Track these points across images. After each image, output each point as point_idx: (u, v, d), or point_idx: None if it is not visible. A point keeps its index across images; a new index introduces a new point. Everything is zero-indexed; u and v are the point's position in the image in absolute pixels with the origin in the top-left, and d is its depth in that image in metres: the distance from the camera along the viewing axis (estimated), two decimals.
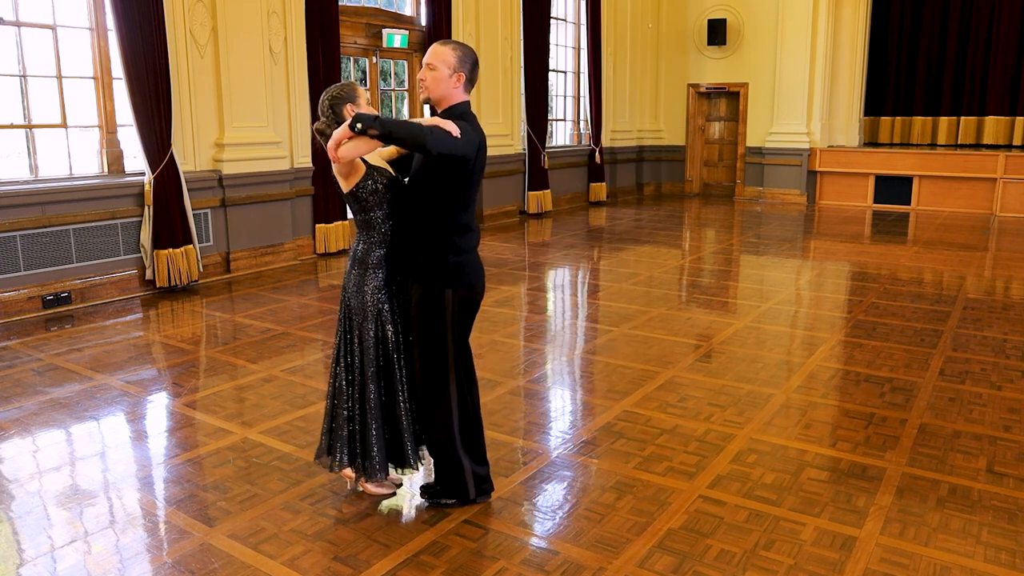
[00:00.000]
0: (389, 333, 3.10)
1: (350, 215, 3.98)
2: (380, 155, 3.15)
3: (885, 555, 2.85)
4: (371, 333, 3.09)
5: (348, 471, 3.26)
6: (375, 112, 2.92)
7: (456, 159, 2.87)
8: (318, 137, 3.08)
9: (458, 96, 2.99)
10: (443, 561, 2.84)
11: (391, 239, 3.10)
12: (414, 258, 3.05)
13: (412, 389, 3.17)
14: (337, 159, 2.85)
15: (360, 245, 3.12)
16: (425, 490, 3.28)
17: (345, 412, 3.16)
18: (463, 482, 3.18)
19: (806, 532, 3.01)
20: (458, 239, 3.03)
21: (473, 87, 3.08)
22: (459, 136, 2.82)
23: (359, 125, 2.74)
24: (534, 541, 2.97)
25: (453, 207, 3.00)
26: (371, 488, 3.29)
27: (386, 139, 2.77)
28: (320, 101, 3.09)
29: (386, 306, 3.10)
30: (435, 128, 2.79)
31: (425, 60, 2.98)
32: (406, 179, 3.15)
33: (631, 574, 2.76)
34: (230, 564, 2.82)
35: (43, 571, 2.80)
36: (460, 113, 2.97)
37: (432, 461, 3.25)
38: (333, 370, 3.21)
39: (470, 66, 2.99)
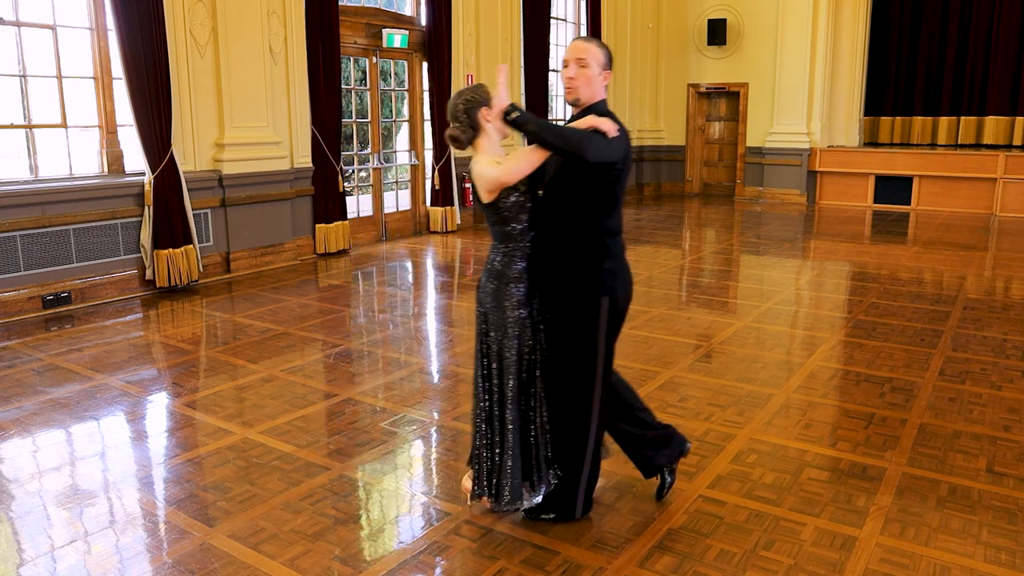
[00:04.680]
0: (528, 349, 2.94)
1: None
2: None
3: (885, 555, 2.85)
4: (514, 350, 2.91)
5: (469, 486, 3.12)
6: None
7: (616, 162, 2.74)
8: (449, 144, 2.95)
9: (601, 93, 2.88)
10: (443, 561, 2.84)
11: (533, 250, 2.92)
12: (564, 268, 2.88)
13: (549, 407, 2.99)
14: (506, 182, 2.72)
15: (498, 258, 2.93)
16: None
17: (486, 441, 2.98)
18: (574, 499, 3.03)
19: (806, 532, 3.01)
20: (611, 243, 2.88)
21: None
22: (616, 135, 2.71)
23: (514, 115, 2.63)
24: (534, 541, 2.97)
25: (603, 210, 2.85)
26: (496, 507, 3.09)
27: (538, 140, 2.65)
28: (451, 105, 2.89)
29: (528, 321, 2.93)
30: (594, 134, 2.67)
31: (575, 57, 2.82)
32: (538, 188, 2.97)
33: (631, 574, 2.75)
34: (230, 564, 2.82)
35: (43, 571, 2.80)
36: (603, 111, 2.84)
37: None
38: (479, 393, 3.01)
39: (610, 63, 2.91)
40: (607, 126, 2.69)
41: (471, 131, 2.87)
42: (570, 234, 2.87)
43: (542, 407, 2.97)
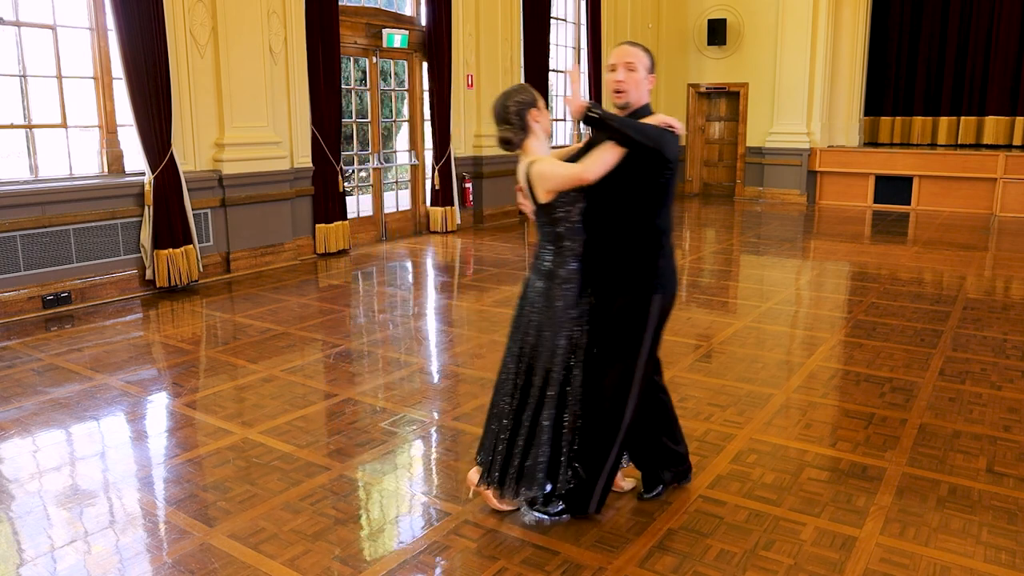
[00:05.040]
0: (573, 348, 2.93)
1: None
2: (560, 156, 3.01)
3: (885, 555, 2.85)
4: (561, 349, 2.91)
5: (475, 479, 3.13)
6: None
7: (671, 160, 2.80)
8: (501, 146, 2.92)
9: (646, 97, 2.93)
10: (443, 561, 2.84)
11: (585, 250, 2.92)
12: (617, 266, 2.90)
13: (583, 405, 2.98)
14: (587, 180, 2.71)
15: (547, 258, 2.93)
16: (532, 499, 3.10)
17: (506, 434, 2.98)
18: (589, 495, 3.02)
19: (806, 532, 3.01)
20: (664, 240, 2.92)
21: None
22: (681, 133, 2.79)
23: (595, 114, 2.63)
24: (534, 541, 2.97)
25: (657, 207, 2.88)
26: (502, 505, 3.11)
27: (621, 136, 2.67)
28: (501, 106, 2.88)
29: (576, 320, 2.93)
30: (667, 131, 2.71)
31: (623, 61, 2.86)
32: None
33: (631, 574, 2.75)
34: (230, 564, 2.82)
35: (43, 571, 2.80)
36: (648, 114, 2.90)
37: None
38: (505, 391, 3.01)
39: (654, 67, 2.96)
40: (678, 124, 2.76)
41: (522, 133, 2.88)
42: (624, 232, 2.90)
43: (575, 406, 2.97)
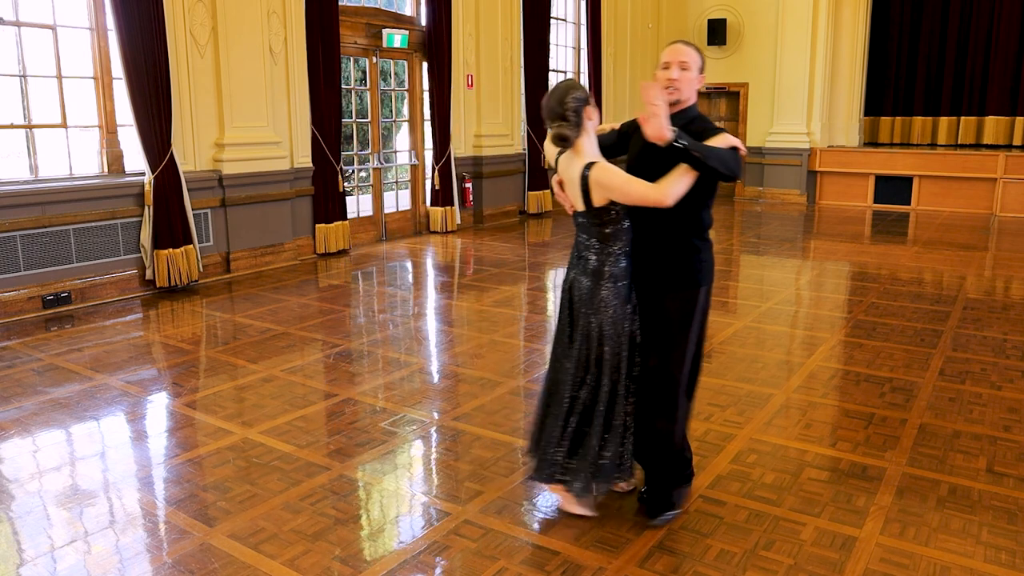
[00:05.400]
0: (627, 344, 2.95)
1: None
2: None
3: (885, 555, 2.85)
4: (622, 347, 2.93)
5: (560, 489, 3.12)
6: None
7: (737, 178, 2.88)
8: (557, 144, 2.86)
9: (695, 96, 2.97)
10: (443, 561, 2.84)
11: (633, 247, 2.94)
12: (665, 261, 2.95)
13: (636, 400, 3.02)
14: (666, 204, 2.69)
15: (595, 257, 2.92)
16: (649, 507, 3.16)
17: (569, 430, 2.99)
18: (669, 492, 3.12)
19: (806, 532, 3.01)
20: (708, 234, 3.01)
21: None
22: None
23: (683, 143, 2.66)
24: (534, 541, 2.97)
25: (704, 202, 2.93)
26: (578, 509, 3.10)
27: (702, 166, 2.70)
28: (558, 102, 2.80)
29: (631, 316, 2.95)
30: (735, 153, 2.77)
31: (677, 59, 2.89)
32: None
33: (631, 574, 2.75)
34: (230, 564, 2.82)
35: (43, 571, 2.80)
36: (696, 114, 2.95)
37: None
38: (564, 394, 3.00)
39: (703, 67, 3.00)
40: (741, 144, 2.83)
41: (577, 130, 2.83)
42: (673, 229, 2.93)
43: (627, 402, 2.99)
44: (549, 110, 2.83)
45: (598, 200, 2.82)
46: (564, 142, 2.83)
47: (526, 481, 3.37)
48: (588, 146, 2.89)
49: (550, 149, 3.00)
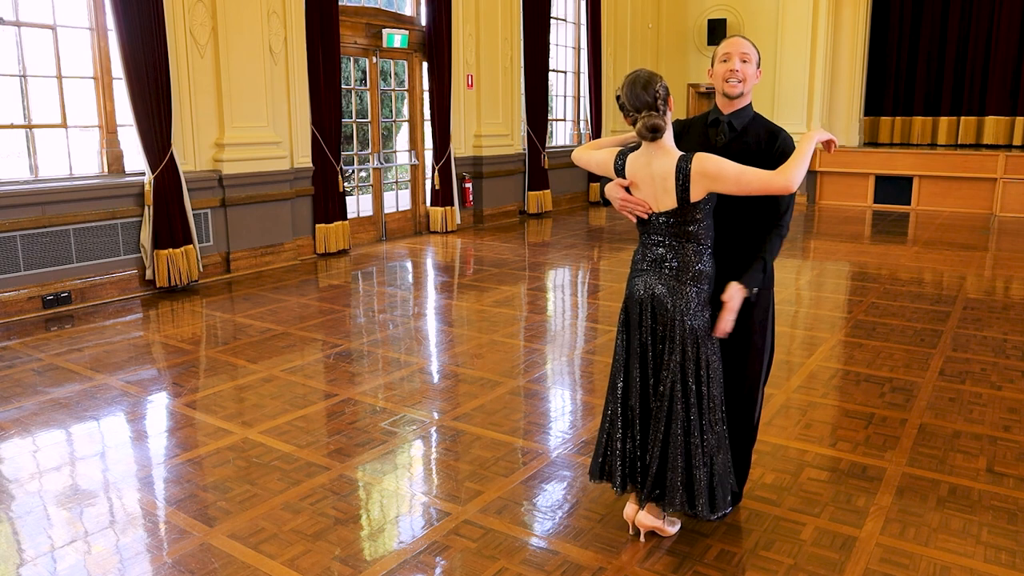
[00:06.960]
0: (713, 352, 2.79)
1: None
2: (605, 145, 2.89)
3: (885, 555, 2.85)
4: (712, 352, 2.78)
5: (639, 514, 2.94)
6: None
7: None
8: (649, 135, 2.63)
9: (751, 95, 2.93)
10: (443, 561, 2.84)
11: (715, 248, 2.80)
12: (745, 263, 2.83)
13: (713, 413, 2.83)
14: (792, 190, 2.61)
15: (676, 259, 2.74)
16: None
17: (662, 447, 2.80)
18: (739, 489, 3.09)
19: (806, 532, 3.01)
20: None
21: None
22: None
23: (754, 292, 2.78)
24: (534, 541, 2.97)
25: (772, 209, 2.88)
26: (670, 530, 2.96)
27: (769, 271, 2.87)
28: (644, 90, 2.60)
29: (710, 322, 2.78)
30: (779, 234, 2.88)
31: (739, 51, 2.83)
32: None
33: (631, 574, 2.75)
34: (230, 564, 2.82)
35: (43, 571, 2.80)
36: (754, 114, 2.91)
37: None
38: (643, 403, 2.84)
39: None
40: (833, 136, 2.83)
41: (665, 120, 2.64)
42: (748, 231, 2.89)
43: (711, 412, 2.81)
44: (636, 98, 2.61)
45: (698, 194, 2.63)
46: (657, 132, 2.60)
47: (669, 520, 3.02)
48: (669, 140, 2.70)
49: (603, 154, 2.87)
